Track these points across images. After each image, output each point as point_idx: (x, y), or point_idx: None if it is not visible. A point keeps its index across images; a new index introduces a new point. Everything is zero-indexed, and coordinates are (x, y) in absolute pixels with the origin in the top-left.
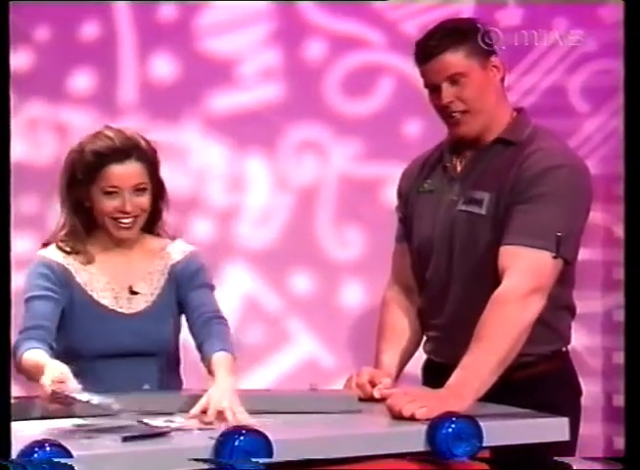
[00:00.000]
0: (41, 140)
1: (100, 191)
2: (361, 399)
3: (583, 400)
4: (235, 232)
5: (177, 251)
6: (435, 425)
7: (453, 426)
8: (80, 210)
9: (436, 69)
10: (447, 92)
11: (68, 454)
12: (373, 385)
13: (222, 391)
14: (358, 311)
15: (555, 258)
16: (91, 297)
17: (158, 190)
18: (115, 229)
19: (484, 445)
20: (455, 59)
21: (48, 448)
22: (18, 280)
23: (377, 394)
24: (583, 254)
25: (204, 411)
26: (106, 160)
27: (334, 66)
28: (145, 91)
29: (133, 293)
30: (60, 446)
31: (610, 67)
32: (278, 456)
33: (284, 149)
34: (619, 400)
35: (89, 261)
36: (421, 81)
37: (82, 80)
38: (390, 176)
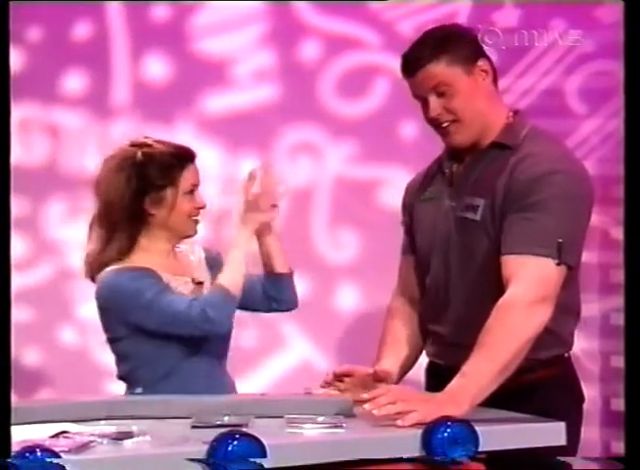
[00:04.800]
0: (33, 141)
1: (180, 191)
2: (356, 402)
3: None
4: (229, 234)
5: (193, 247)
6: (431, 429)
7: (449, 430)
8: (141, 220)
9: (420, 81)
10: (434, 104)
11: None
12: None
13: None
14: (353, 314)
15: (558, 264)
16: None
17: None
18: (192, 227)
19: (480, 449)
20: (437, 69)
21: (39, 454)
22: (16, 281)
23: (374, 371)
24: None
25: None
26: (183, 159)
27: (329, 66)
28: (138, 92)
29: (199, 283)
30: (50, 450)
31: (607, 68)
32: (272, 461)
33: (278, 150)
34: (617, 404)
35: (158, 267)
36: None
37: (75, 81)
38: (386, 178)
